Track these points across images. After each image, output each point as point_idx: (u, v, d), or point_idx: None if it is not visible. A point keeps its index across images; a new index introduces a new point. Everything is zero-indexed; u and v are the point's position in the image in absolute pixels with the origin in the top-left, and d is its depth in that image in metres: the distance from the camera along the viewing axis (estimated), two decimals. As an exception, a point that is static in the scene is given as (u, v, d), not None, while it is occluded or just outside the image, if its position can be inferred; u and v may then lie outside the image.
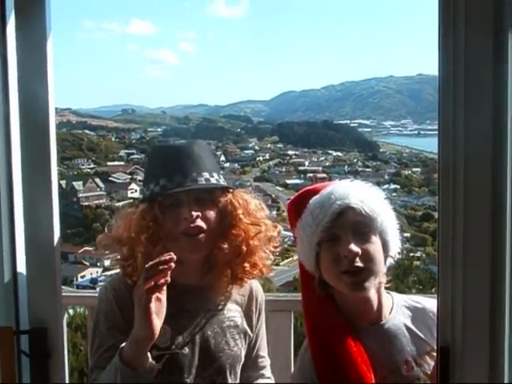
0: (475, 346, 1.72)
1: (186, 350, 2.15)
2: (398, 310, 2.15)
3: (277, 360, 2.57)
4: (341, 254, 1.98)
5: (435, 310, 1.87)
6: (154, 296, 1.89)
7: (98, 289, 2.25)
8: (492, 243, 1.70)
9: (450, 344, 1.74)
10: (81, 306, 4.86)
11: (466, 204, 1.70)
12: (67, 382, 2.64)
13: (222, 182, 2.22)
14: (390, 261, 2.11)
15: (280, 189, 58.84)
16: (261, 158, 66.21)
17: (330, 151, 65.49)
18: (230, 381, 2.22)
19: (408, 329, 2.12)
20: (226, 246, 2.17)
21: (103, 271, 37.58)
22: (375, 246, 2.02)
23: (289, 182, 59.44)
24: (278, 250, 2.31)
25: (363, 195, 2.04)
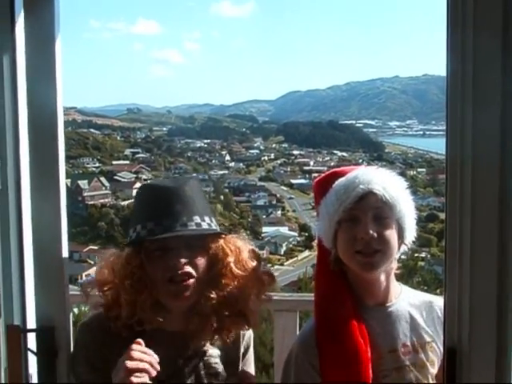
0: (482, 346, 1.72)
1: None
2: (405, 298, 2.22)
3: (282, 360, 2.57)
4: (358, 235, 2.05)
5: (442, 306, 1.89)
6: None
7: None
8: (499, 243, 1.70)
9: (457, 345, 1.74)
10: (86, 305, 4.88)
11: (474, 204, 1.70)
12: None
13: (214, 225, 2.11)
14: (403, 248, 2.17)
15: (285, 188, 58.87)
16: (266, 158, 66.23)
17: (335, 151, 65.47)
18: None
19: (411, 316, 2.18)
20: (213, 295, 2.07)
21: (108, 270, 37.57)
22: (392, 231, 2.09)
23: (294, 181, 59.45)
24: (269, 301, 2.24)
25: (386, 182, 2.11)
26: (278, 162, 65.40)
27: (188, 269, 2.01)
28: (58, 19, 2.02)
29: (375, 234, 2.04)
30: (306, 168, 61.44)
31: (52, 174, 2.03)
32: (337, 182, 2.14)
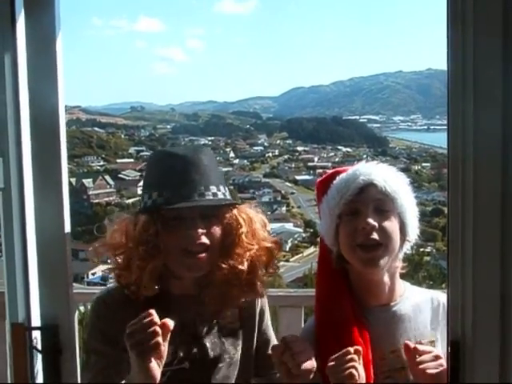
0: (485, 341, 1.72)
1: (187, 364, 2.07)
2: (409, 296, 2.20)
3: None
4: (358, 226, 2.05)
5: (445, 300, 1.89)
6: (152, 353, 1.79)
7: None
8: (501, 238, 1.70)
9: (460, 339, 1.74)
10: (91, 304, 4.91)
11: (476, 199, 1.70)
12: (79, 378, 2.66)
13: (228, 195, 2.12)
14: (407, 245, 2.16)
15: (289, 185, 58.84)
16: (270, 154, 66.19)
17: (339, 147, 65.40)
18: None
19: (415, 316, 2.16)
20: (225, 265, 2.07)
21: (114, 268, 37.57)
22: (393, 224, 2.08)
23: (298, 178, 59.41)
24: (277, 271, 2.26)
25: (387, 175, 2.11)
26: (283, 158, 65.35)
27: (204, 239, 2.02)
28: (59, 18, 2.02)
29: (376, 225, 2.04)
30: (310, 164, 61.38)
31: (55, 173, 2.04)
32: (338, 178, 2.15)
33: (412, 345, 2.03)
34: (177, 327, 1.89)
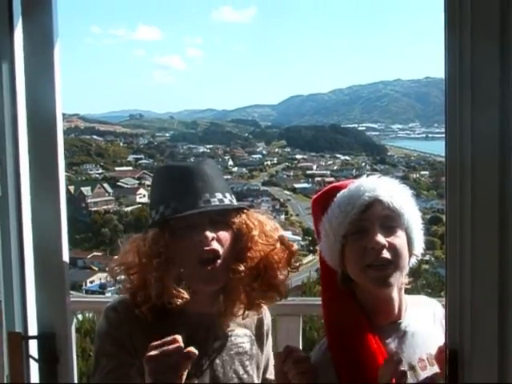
0: (484, 348, 1.71)
1: (195, 381, 2.05)
2: (412, 309, 2.15)
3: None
4: (367, 246, 1.98)
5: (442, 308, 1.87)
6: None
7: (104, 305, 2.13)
8: (500, 245, 1.69)
9: (459, 347, 1.73)
10: (89, 312, 4.89)
11: (474, 206, 1.69)
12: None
13: (235, 202, 2.13)
14: (413, 260, 2.11)
15: (288, 193, 58.77)
16: (269, 163, 66.11)
17: (337, 155, 65.34)
18: None
19: (424, 328, 2.12)
20: (241, 268, 2.06)
21: (112, 276, 37.48)
22: (402, 241, 2.03)
23: (297, 186, 59.34)
24: (296, 270, 2.23)
25: (392, 190, 2.06)
26: (281, 166, 65.24)
27: (215, 245, 2.02)
28: (57, 24, 2.02)
29: (386, 243, 1.98)
30: (308, 172, 61.29)
31: (52, 180, 2.04)
32: (339, 195, 2.07)
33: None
34: (188, 344, 1.86)
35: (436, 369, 2.03)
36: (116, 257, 2.14)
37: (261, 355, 2.24)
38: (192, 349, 1.76)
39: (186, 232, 2.02)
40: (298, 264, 2.21)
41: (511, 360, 1.70)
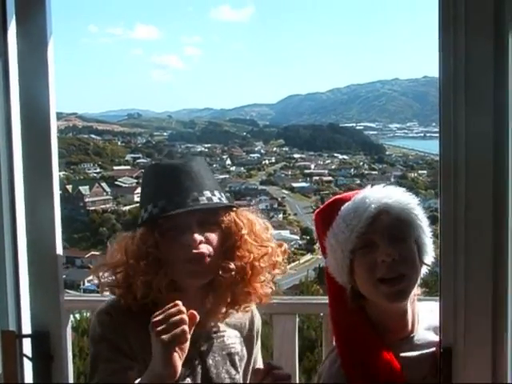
0: (477, 346, 1.72)
1: (188, 380, 2.05)
2: (425, 319, 2.08)
3: (281, 363, 2.56)
4: (378, 259, 1.90)
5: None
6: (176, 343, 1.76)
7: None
8: (493, 244, 1.70)
9: (453, 345, 1.73)
10: (87, 311, 4.88)
11: (468, 205, 1.70)
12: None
13: (225, 200, 2.10)
14: (424, 269, 2.03)
15: (286, 192, 58.74)
16: (267, 162, 66.05)
17: (335, 154, 65.31)
18: None
19: (435, 337, 2.01)
20: (232, 266, 2.03)
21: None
22: (412, 251, 1.95)
23: (295, 185, 59.30)
24: (283, 274, 2.19)
25: (399, 199, 1.98)
26: (279, 165, 65.20)
27: (203, 248, 1.99)
28: (50, 23, 2.02)
29: (397, 256, 1.89)
30: (307, 171, 61.24)
31: (46, 180, 2.04)
32: (343, 208, 2.00)
33: None
34: None
35: None
36: (101, 256, 2.13)
37: (250, 357, 2.22)
38: (193, 311, 1.78)
39: (175, 233, 2.01)
40: (285, 267, 2.18)
41: (504, 358, 1.71)
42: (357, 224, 1.93)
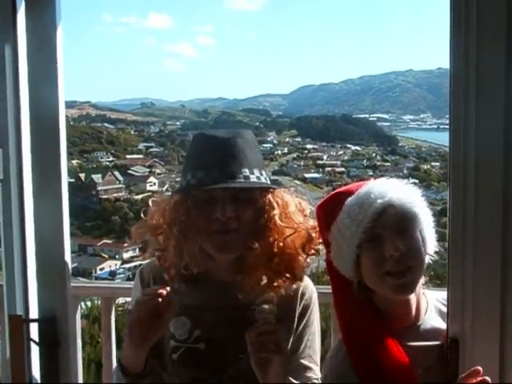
0: (485, 338, 1.71)
1: (203, 345, 2.09)
2: (433, 309, 2.07)
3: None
4: (385, 253, 1.89)
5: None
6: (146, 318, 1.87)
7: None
8: (502, 237, 1.70)
9: (460, 336, 1.73)
10: (98, 298, 4.90)
11: (477, 198, 1.69)
12: (80, 371, 2.65)
13: (264, 178, 2.10)
14: (427, 259, 2.01)
15: (298, 183, 58.73)
16: (279, 152, 66.02)
17: (348, 145, 65.19)
18: None
19: (440, 327, 2.02)
20: (256, 245, 2.06)
21: (122, 264, 37.66)
22: (418, 243, 1.94)
23: (307, 175, 59.27)
24: (315, 256, 2.19)
25: (403, 192, 1.96)
26: (292, 156, 65.18)
27: (232, 223, 2.02)
28: (60, 10, 2.02)
29: (405, 249, 1.88)
30: (319, 162, 61.18)
31: (54, 167, 2.06)
32: (347, 203, 1.98)
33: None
34: (201, 308, 2.05)
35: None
36: (138, 223, 2.17)
37: (288, 337, 2.16)
38: (175, 301, 1.89)
39: (207, 204, 2.04)
40: (316, 248, 2.17)
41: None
42: (362, 219, 1.92)
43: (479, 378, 1.71)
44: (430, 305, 2.09)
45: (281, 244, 2.10)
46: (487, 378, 1.70)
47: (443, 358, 1.94)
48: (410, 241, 1.92)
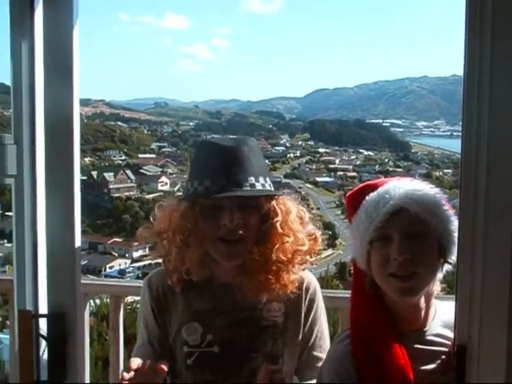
0: (492, 345, 1.70)
1: (216, 348, 2.14)
2: (441, 316, 2.07)
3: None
4: (390, 255, 1.90)
5: None
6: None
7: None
8: (512, 242, 1.68)
9: (467, 343, 1.72)
10: (107, 296, 4.92)
11: (487, 206, 1.68)
12: (88, 368, 2.67)
13: (268, 186, 2.15)
14: (447, 267, 2.00)
15: (310, 186, 58.70)
16: (291, 155, 66.08)
17: (361, 150, 65.19)
18: None
19: (447, 334, 2.02)
20: (254, 250, 2.12)
21: (131, 262, 37.77)
22: (429, 250, 1.93)
23: (319, 179, 59.28)
24: (309, 264, 2.27)
25: (420, 197, 1.94)
26: (304, 159, 65.20)
27: (239, 230, 2.08)
28: (77, 9, 2.03)
29: (409, 255, 1.88)
30: (331, 166, 61.18)
31: (67, 165, 2.05)
32: (367, 198, 1.99)
33: None
34: (211, 313, 2.12)
35: None
36: (143, 227, 2.24)
37: (297, 331, 2.23)
38: (162, 366, 1.90)
39: (214, 211, 2.08)
40: (305, 259, 2.24)
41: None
42: (375, 217, 1.93)
43: None
44: (439, 313, 2.08)
45: (280, 251, 2.14)
46: None
47: (448, 364, 1.90)
48: (420, 247, 1.91)
